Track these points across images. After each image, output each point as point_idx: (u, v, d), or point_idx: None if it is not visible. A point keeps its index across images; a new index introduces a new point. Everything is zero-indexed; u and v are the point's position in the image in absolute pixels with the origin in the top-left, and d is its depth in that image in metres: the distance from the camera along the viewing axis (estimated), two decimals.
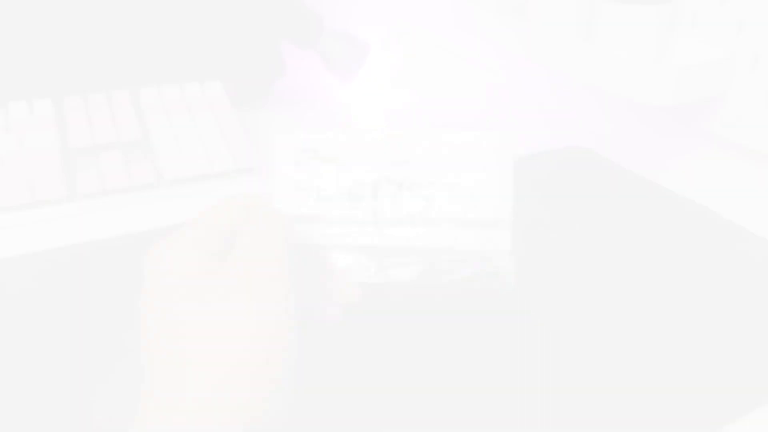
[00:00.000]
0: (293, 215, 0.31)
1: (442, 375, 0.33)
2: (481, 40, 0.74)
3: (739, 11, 0.46)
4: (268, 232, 0.26)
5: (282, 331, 0.23)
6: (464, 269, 0.31)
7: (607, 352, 0.35)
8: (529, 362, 0.34)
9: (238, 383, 0.21)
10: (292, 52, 0.68)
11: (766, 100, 0.46)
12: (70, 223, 0.46)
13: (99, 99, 0.57)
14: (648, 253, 0.44)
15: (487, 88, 0.78)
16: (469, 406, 0.31)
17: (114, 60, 0.58)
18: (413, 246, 0.31)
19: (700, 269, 0.42)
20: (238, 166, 0.52)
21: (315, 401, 0.29)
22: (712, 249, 0.45)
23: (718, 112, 0.50)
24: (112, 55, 0.57)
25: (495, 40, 0.61)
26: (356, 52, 0.69)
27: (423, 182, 0.31)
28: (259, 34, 0.61)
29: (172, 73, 0.60)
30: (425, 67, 0.82)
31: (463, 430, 0.30)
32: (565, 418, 0.31)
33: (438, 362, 0.33)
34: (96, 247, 0.43)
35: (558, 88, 0.69)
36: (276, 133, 0.32)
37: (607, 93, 0.51)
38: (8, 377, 0.32)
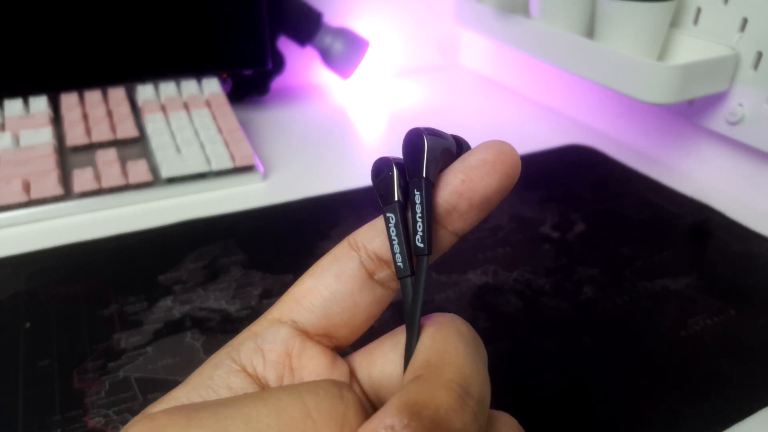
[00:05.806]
0: None
1: None
2: (482, 37, 0.74)
3: (743, 8, 0.46)
4: None
5: None
6: None
7: (608, 352, 0.35)
8: (528, 360, 0.34)
9: None
10: (290, 48, 0.67)
11: None
12: (66, 222, 0.46)
13: (95, 96, 0.56)
14: (650, 251, 0.44)
15: (488, 86, 0.78)
16: None
17: (110, 56, 0.57)
18: None
19: (703, 268, 0.42)
20: (236, 164, 0.51)
21: None
22: (715, 248, 0.45)
23: (720, 110, 0.49)
24: (107, 52, 0.57)
25: (496, 36, 0.60)
26: (355, 47, 0.68)
27: None
28: (256, 29, 0.60)
29: (168, 70, 0.60)
30: (424, 65, 0.81)
31: None
32: (565, 418, 0.30)
33: None
34: (92, 247, 0.43)
35: (559, 85, 0.69)
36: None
37: (610, 90, 0.50)
38: (5, 377, 0.32)
